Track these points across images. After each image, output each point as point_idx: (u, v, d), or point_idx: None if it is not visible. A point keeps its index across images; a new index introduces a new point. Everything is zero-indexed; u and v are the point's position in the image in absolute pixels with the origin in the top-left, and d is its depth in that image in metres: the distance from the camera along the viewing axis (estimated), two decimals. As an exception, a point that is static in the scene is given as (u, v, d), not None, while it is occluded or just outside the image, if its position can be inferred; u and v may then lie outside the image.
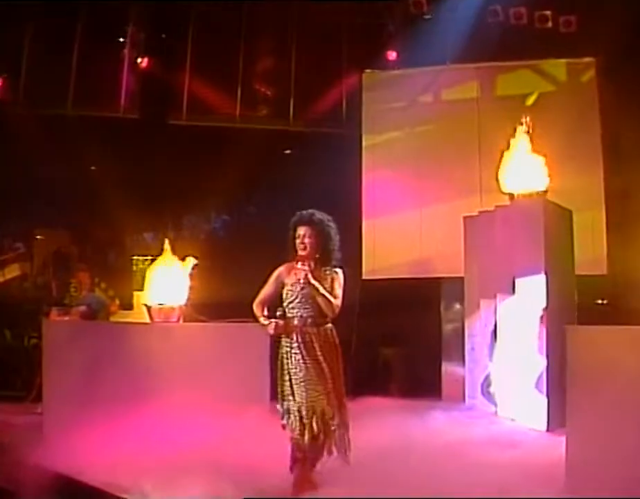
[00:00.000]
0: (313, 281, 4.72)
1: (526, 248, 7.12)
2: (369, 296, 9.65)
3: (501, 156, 7.76)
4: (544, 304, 6.95)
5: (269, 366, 6.15)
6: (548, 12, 10.22)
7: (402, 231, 9.90)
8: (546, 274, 6.96)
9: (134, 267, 10.93)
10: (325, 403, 4.72)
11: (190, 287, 6.56)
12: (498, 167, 7.77)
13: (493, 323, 7.65)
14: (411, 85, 10.35)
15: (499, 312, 7.53)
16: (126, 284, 9.90)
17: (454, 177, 9.64)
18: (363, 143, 10.32)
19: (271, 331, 4.81)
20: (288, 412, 4.78)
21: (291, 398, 4.76)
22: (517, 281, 7.19)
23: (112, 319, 8.31)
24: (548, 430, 6.63)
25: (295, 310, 4.82)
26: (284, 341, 4.84)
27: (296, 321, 4.80)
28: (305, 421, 4.70)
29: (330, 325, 4.87)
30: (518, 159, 7.58)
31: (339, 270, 4.91)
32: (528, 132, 7.50)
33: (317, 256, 4.86)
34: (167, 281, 6.59)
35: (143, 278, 7.06)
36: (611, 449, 4.39)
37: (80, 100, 10.75)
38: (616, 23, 9.10)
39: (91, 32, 10.58)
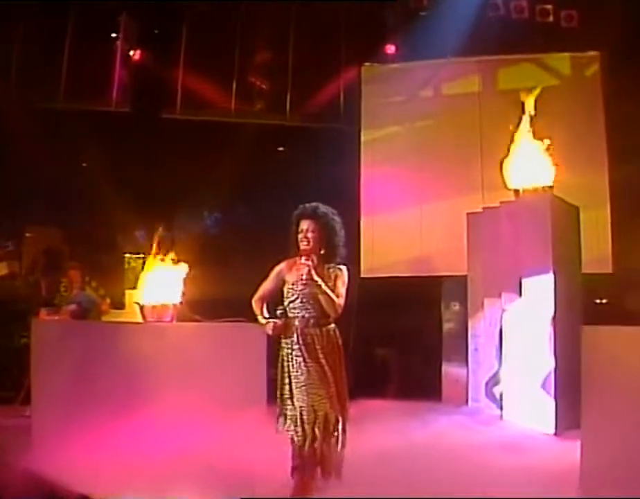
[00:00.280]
0: (316, 278, 4.58)
1: (532, 246, 7.05)
2: (367, 295, 9.52)
3: (507, 151, 7.68)
4: (552, 304, 6.88)
5: (266, 367, 6.08)
6: (549, 6, 10.13)
7: (402, 228, 9.87)
8: (554, 273, 6.91)
9: (126, 266, 10.86)
10: (328, 407, 4.59)
11: (184, 293, 6.48)
12: (501, 162, 7.70)
13: (498, 323, 7.58)
14: (411, 79, 10.32)
15: (504, 312, 7.44)
16: (117, 282, 9.86)
17: (455, 173, 9.62)
18: (362, 139, 10.29)
19: (269, 331, 4.70)
20: (285, 416, 4.66)
21: (289, 402, 4.64)
22: (523, 280, 7.13)
23: (103, 318, 8.18)
24: (556, 434, 6.57)
25: (296, 311, 4.70)
26: (284, 342, 4.72)
27: (297, 322, 4.67)
28: (306, 426, 4.58)
29: (332, 325, 4.75)
30: (523, 153, 7.52)
31: (343, 267, 4.77)
32: (532, 117, 7.52)
33: (321, 251, 4.73)
34: (161, 279, 6.48)
35: (135, 276, 7.11)
36: (628, 453, 4.30)
37: (71, 93, 10.61)
38: (620, 17, 9.02)
39: (83, 24, 10.45)
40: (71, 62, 10.58)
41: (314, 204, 4.78)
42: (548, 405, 6.77)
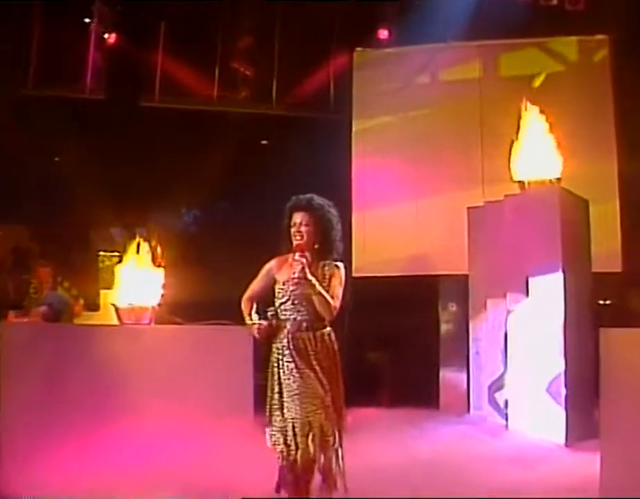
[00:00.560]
0: (310, 277, 4.41)
1: (540, 242, 7.01)
2: (359, 295, 9.41)
3: (511, 143, 7.64)
4: (561, 305, 6.83)
5: (252, 374, 5.96)
6: (553, -12, 10.05)
7: (396, 224, 9.80)
8: (563, 271, 6.86)
9: (100, 265, 10.78)
10: (323, 418, 4.41)
11: (163, 294, 6.37)
12: (503, 153, 7.65)
13: (503, 326, 7.52)
14: (407, 65, 10.25)
15: (510, 314, 7.38)
16: (91, 282, 9.74)
17: (454, 164, 9.57)
18: (354, 129, 10.22)
19: (256, 334, 4.56)
20: (273, 428, 4.50)
21: (278, 413, 4.48)
22: (530, 279, 7.08)
23: (76, 320, 8.10)
24: (567, 444, 6.51)
25: (288, 313, 4.54)
26: (274, 347, 4.56)
27: (289, 325, 4.52)
28: (299, 439, 4.40)
29: (327, 329, 4.58)
30: (528, 144, 7.48)
31: (340, 264, 4.61)
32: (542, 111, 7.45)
33: (316, 247, 4.56)
34: (138, 278, 6.33)
35: (111, 275, 7.04)
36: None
37: (41, 79, 10.48)
38: (630, -1, 8.99)
39: (54, 3, 10.26)
40: (40, 44, 10.43)
41: (308, 195, 4.62)
42: (557, 413, 6.71)
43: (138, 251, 6.44)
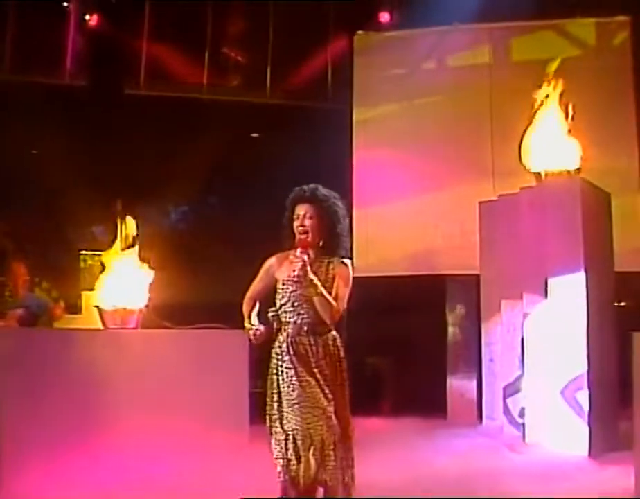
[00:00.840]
0: (311, 276, 4.26)
1: (560, 239, 6.93)
2: (360, 296, 9.31)
3: (523, 132, 7.56)
4: (584, 307, 6.76)
5: (248, 382, 6.13)
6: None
7: (401, 221, 9.75)
8: (585, 271, 6.80)
9: (82, 264, 10.78)
10: (324, 430, 4.27)
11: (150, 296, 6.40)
12: (515, 143, 7.57)
13: (519, 329, 7.43)
14: (411, 50, 10.21)
15: (527, 317, 7.28)
16: (72, 283, 9.74)
17: (462, 156, 9.50)
18: (354, 118, 10.16)
19: (252, 339, 4.44)
20: (273, 441, 4.36)
21: (278, 424, 4.34)
22: (549, 280, 7.00)
23: (56, 324, 7.99)
24: (590, 457, 6.42)
25: (288, 315, 4.41)
26: (273, 352, 4.44)
27: (289, 329, 4.38)
28: (301, 453, 4.26)
29: (332, 333, 4.44)
30: (545, 133, 7.39)
31: (347, 262, 4.47)
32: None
33: (320, 243, 4.42)
34: (124, 279, 6.36)
35: (93, 276, 7.04)
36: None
37: (17, 64, 10.41)
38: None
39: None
40: (17, 26, 10.38)
41: (312, 185, 4.49)
42: (579, 424, 6.63)
43: (122, 250, 6.48)
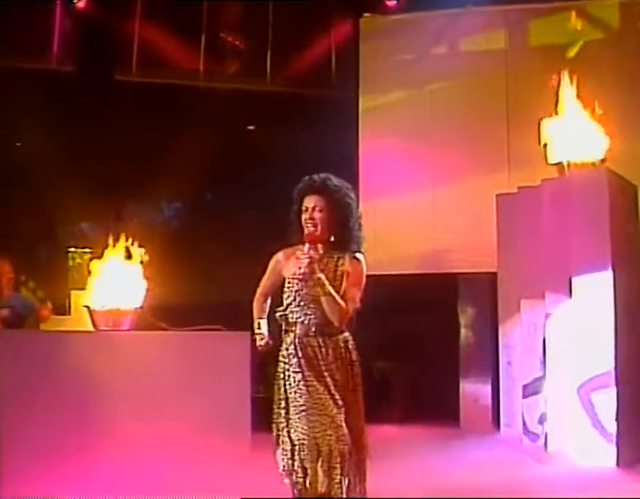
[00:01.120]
0: (319, 274, 4.12)
1: (585, 235, 6.89)
2: (368, 296, 9.27)
3: (540, 120, 7.53)
4: (611, 308, 6.70)
5: (250, 386, 6.24)
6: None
7: (411, 215, 9.71)
8: (613, 269, 6.74)
9: (71, 262, 10.79)
10: (332, 440, 4.13)
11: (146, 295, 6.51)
12: (533, 133, 7.58)
13: (541, 331, 7.38)
14: (421, 34, 10.15)
15: (549, 318, 7.23)
16: (60, 282, 9.72)
17: (475, 147, 9.44)
18: (360, 107, 10.15)
19: (258, 346, 4.40)
20: (280, 452, 4.23)
21: (285, 433, 4.21)
22: (574, 278, 6.95)
23: (43, 326, 7.93)
24: (618, 466, 6.39)
25: (295, 314, 4.28)
26: (280, 355, 4.31)
27: (297, 329, 4.25)
28: (307, 464, 4.13)
29: (343, 335, 4.30)
30: (567, 121, 7.37)
31: (360, 257, 4.32)
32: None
33: (330, 237, 4.29)
34: (116, 277, 6.46)
35: (83, 274, 7.12)
36: None
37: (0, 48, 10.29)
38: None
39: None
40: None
41: (322, 174, 4.35)
42: (606, 431, 6.58)
43: (114, 246, 6.56)
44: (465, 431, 8.45)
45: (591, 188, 6.97)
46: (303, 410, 4.15)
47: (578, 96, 7.50)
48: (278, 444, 4.25)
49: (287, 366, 4.24)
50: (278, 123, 10.75)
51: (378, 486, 4.59)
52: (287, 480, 4.20)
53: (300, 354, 4.21)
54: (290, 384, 4.21)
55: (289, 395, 4.21)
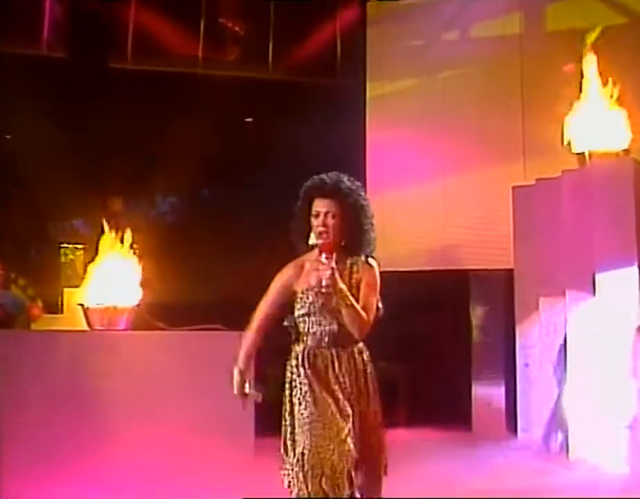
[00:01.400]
0: (342, 285, 3.94)
1: (609, 228, 6.85)
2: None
3: (557, 109, 7.57)
4: (636, 307, 6.65)
5: (253, 388, 5.87)
6: None
7: (420, 209, 9.66)
8: (639, 265, 6.70)
9: (63, 259, 10.80)
10: (336, 456, 3.98)
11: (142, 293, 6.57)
12: (549, 122, 7.68)
13: (561, 331, 7.35)
14: (431, 18, 10.05)
15: (570, 317, 7.20)
16: (52, 279, 9.73)
17: (488, 136, 9.32)
18: (368, 95, 10.13)
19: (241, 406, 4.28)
20: (285, 466, 4.12)
21: (291, 446, 4.11)
22: (597, 275, 6.88)
23: (34, 326, 7.96)
24: None
25: (307, 325, 4.14)
26: (288, 364, 4.18)
27: (309, 340, 4.12)
28: (309, 481, 3.99)
29: (358, 346, 4.16)
30: (588, 109, 7.38)
31: (373, 263, 4.17)
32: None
33: (342, 243, 4.11)
34: (111, 274, 6.52)
35: (76, 271, 7.45)
36: None
37: None
38: None
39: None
40: None
41: (333, 175, 4.15)
42: (630, 439, 6.53)
43: (109, 243, 6.62)
44: (477, 435, 8.39)
45: (614, 179, 6.93)
46: (306, 423, 4.03)
47: (599, 84, 7.47)
48: (283, 458, 4.12)
49: (294, 376, 4.12)
50: (280, 113, 10.79)
51: (387, 493, 4.53)
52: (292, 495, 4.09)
53: (308, 365, 4.09)
54: (296, 395, 4.10)
55: (294, 406, 4.10)
